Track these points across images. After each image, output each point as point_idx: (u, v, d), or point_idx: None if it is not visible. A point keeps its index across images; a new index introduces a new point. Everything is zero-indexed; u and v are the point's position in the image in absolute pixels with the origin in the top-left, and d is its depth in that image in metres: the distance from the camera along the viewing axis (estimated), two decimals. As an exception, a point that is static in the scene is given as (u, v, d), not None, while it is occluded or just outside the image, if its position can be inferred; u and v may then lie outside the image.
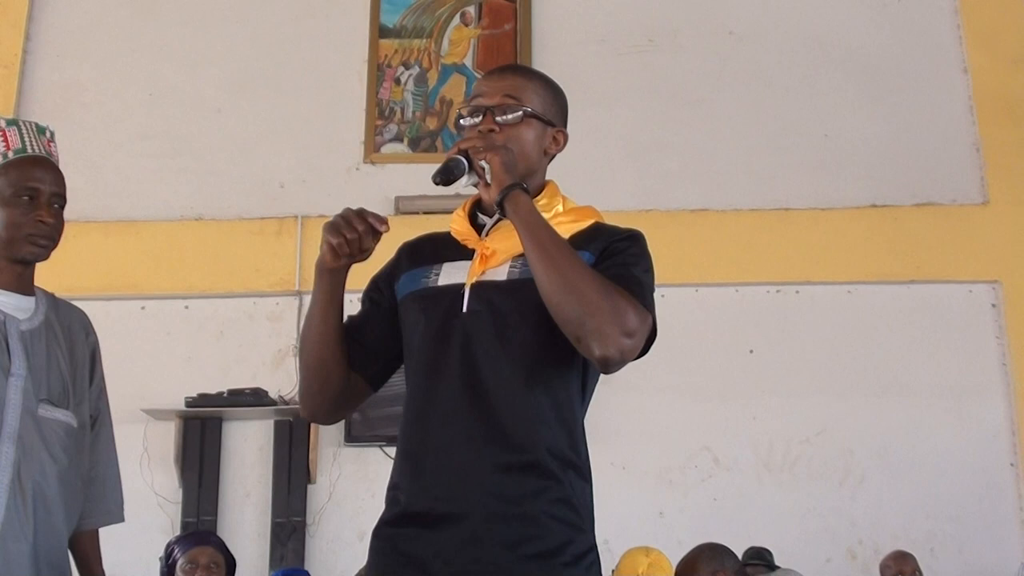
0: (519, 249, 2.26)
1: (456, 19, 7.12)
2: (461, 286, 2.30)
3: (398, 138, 6.90)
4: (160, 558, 4.72)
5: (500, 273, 2.30)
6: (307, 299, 2.49)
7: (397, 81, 7.02)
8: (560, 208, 2.37)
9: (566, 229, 2.31)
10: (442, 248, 2.41)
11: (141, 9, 7.26)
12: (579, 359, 2.26)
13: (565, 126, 2.48)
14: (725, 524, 5.87)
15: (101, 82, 7.10)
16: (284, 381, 6.30)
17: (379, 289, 2.45)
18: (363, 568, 2.37)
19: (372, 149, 6.86)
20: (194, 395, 6.22)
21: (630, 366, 2.21)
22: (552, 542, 2.15)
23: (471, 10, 7.14)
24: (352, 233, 2.20)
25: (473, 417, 2.19)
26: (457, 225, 2.43)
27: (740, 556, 5.04)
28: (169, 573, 4.58)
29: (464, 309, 2.27)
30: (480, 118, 2.37)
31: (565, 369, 2.27)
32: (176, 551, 4.60)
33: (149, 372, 6.31)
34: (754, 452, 6.33)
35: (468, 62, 7.03)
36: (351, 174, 6.83)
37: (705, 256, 6.58)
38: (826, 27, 7.05)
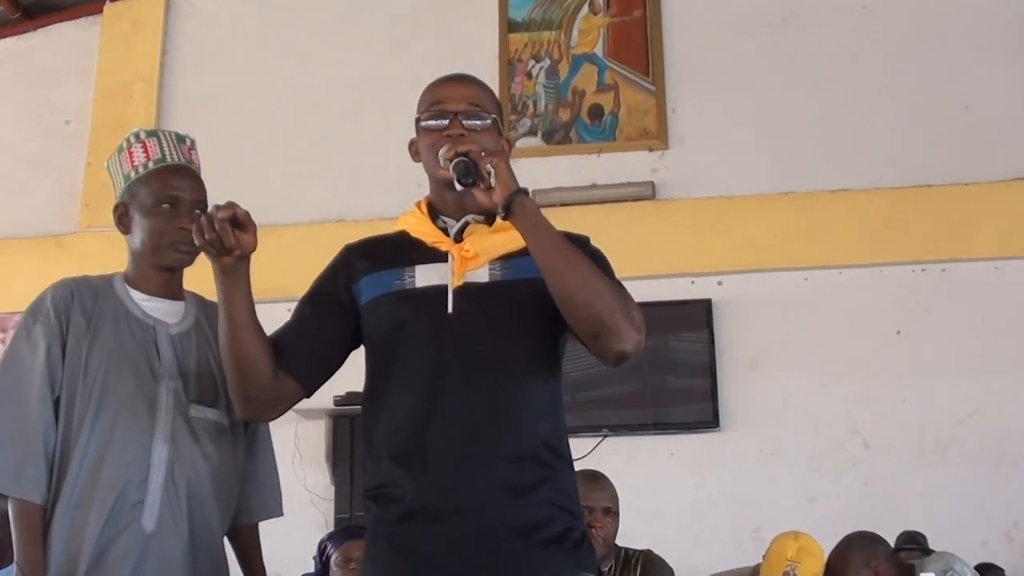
0: (497, 252, 2.35)
1: (584, 8, 7.09)
2: (442, 287, 2.33)
3: (532, 132, 6.91)
4: (314, 557, 4.79)
5: (481, 275, 2.35)
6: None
7: (528, 75, 7.03)
8: None
9: None
10: (406, 250, 2.43)
11: (271, 16, 7.40)
12: (561, 355, 2.37)
13: None
14: (877, 509, 5.76)
15: (237, 90, 7.25)
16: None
17: (330, 294, 2.46)
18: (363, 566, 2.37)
19: (507, 144, 6.87)
20: (342, 394, 6.29)
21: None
22: (557, 528, 2.23)
23: (599, -2, 7.12)
24: (210, 233, 2.22)
25: (477, 413, 2.23)
26: (422, 227, 2.46)
27: (894, 541, 4.96)
28: (324, 570, 4.65)
29: (450, 310, 2.29)
30: (447, 121, 2.40)
31: (553, 364, 2.36)
32: (329, 547, 4.66)
33: (298, 372, 6.38)
34: (905, 435, 6.19)
35: (599, 51, 7.00)
36: (486, 169, 6.85)
37: (846, 237, 6.45)
38: (962, -5, 6.86)
